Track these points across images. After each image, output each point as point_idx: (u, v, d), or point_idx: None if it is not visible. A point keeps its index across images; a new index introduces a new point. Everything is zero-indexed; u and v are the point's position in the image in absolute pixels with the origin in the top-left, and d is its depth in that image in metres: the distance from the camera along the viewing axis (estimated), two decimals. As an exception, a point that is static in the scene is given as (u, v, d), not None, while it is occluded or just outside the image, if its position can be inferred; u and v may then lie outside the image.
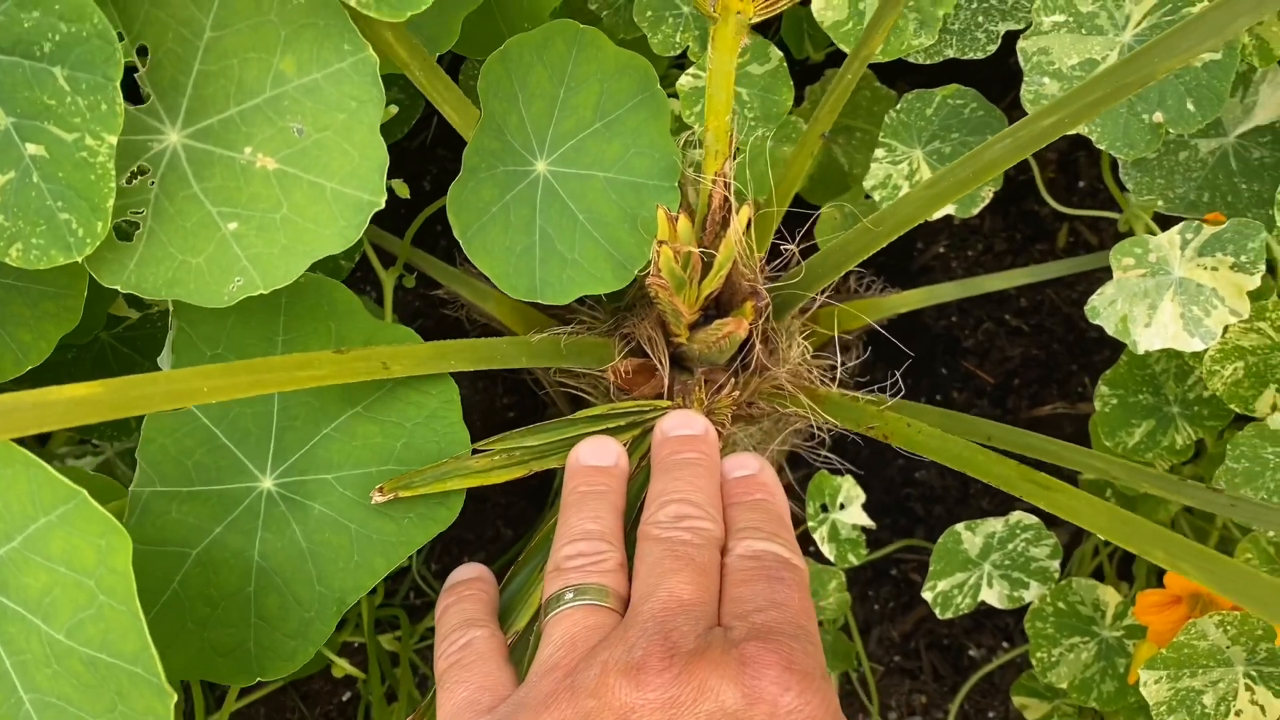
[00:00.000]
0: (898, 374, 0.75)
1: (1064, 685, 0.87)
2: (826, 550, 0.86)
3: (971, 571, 0.86)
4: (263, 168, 0.59)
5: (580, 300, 0.84)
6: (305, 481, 0.65)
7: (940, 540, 0.85)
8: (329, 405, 0.66)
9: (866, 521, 0.86)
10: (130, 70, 0.58)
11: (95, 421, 0.51)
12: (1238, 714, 0.73)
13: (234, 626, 0.63)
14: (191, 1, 0.57)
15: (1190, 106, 0.74)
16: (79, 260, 0.54)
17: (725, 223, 0.73)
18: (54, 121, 0.53)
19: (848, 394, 0.76)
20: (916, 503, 1.13)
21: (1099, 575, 1.02)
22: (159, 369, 0.68)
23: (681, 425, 0.65)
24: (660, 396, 0.77)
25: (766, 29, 1.01)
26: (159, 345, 0.82)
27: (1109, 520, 0.55)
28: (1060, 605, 0.86)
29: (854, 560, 0.86)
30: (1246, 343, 0.76)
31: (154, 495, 0.64)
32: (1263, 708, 0.73)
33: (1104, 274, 0.74)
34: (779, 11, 0.67)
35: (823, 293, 0.77)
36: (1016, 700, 0.97)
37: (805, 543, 0.88)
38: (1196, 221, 0.73)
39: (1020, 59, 0.77)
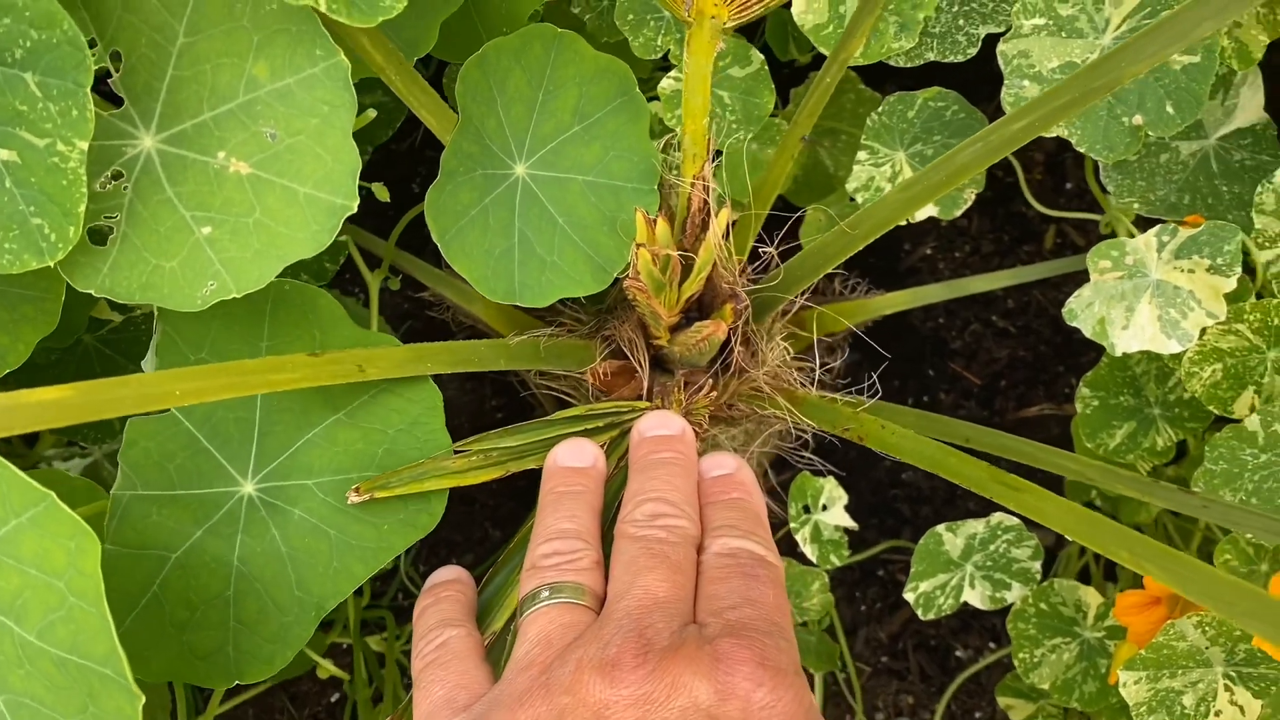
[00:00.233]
0: (875, 376, 0.75)
1: (1046, 686, 0.87)
2: (808, 551, 0.87)
3: (953, 573, 0.86)
4: (236, 172, 0.59)
5: (564, 302, 0.84)
6: (286, 487, 0.65)
7: (921, 541, 0.85)
8: (311, 411, 0.66)
9: (848, 522, 0.86)
10: (105, 75, 0.59)
11: (66, 424, 0.51)
12: (1217, 714, 0.74)
13: (213, 630, 0.63)
14: (164, 7, 0.58)
15: (1170, 109, 0.75)
16: (51, 265, 0.55)
17: (705, 226, 0.74)
18: (26, 127, 0.53)
19: (826, 396, 0.76)
20: (903, 504, 1.13)
21: (1084, 576, 1.02)
22: (142, 372, 0.68)
23: (658, 426, 0.65)
24: (640, 398, 0.77)
25: (752, 32, 1.01)
26: (142, 348, 0.82)
27: (1075, 521, 0.56)
28: (1042, 606, 0.87)
29: (836, 561, 0.86)
30: (1225, 345, 0.76)
31: (135, 499, 0.64)
32: (1242, 708, 0.73)
33: (1089, 276, 0.74)
34: (754, 16, 0.67)
35: (802, 295, 0.77)
36: (1001, 701, 0.97)
37: (790, 545, 0.88)
38: (1173, 224, 0.73)
39: (1000, 62, 0.77)
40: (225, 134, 0.59)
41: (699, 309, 0.78)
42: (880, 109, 0.84)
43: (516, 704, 0.49)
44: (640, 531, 0.56)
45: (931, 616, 0.86)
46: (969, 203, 0.85)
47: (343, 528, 0.64)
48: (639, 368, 0.76)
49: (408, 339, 1.12)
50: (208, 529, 0.64)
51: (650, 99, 0.87)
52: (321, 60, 0.58)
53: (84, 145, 0.53)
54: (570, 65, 0.72)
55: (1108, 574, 1.03)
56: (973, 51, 0.81)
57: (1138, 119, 0.75)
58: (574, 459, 0.64)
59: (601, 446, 0.67)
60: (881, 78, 0.98)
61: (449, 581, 0.64)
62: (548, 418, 0.71)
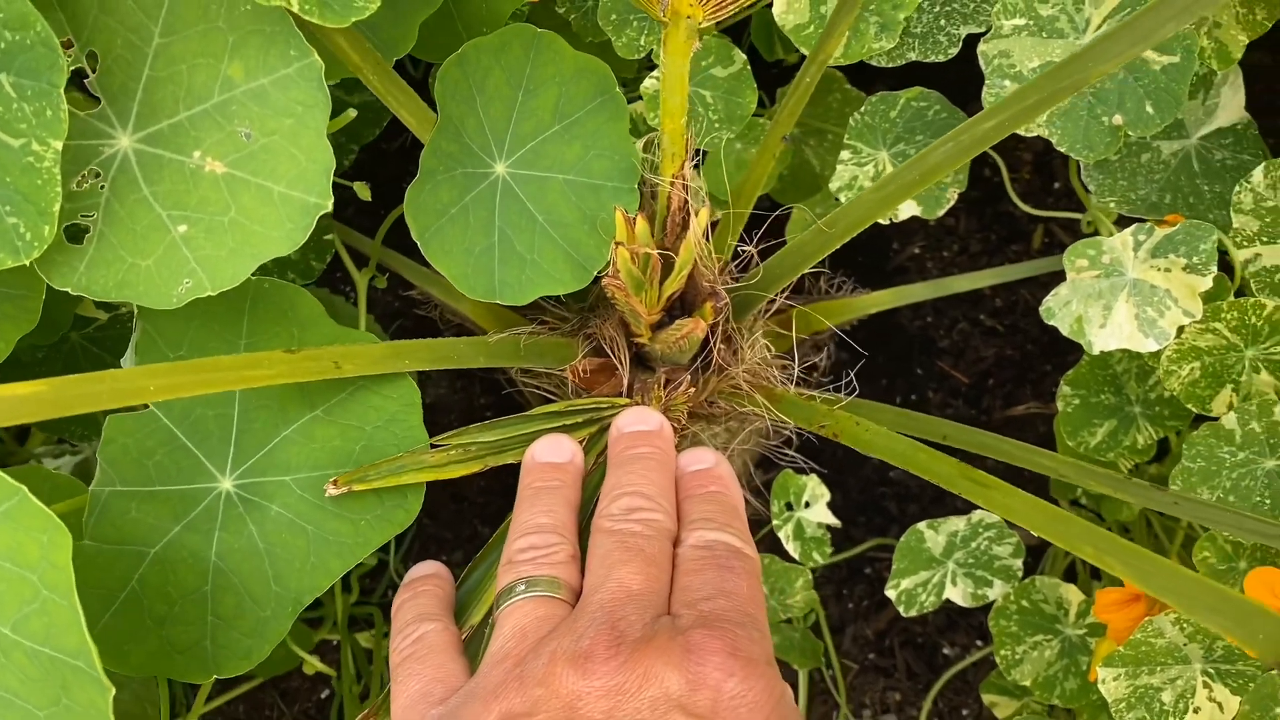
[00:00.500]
0: (852, 374, 0.75)
1: (1028, 683, 0.88)
2: (791, 549, 0.87)
3: (935, 570, 0.86)
4: (211, 171, 0.60)
5: (548, 300, 0.85)
6: (264, 483, 0.66)
7: (903, 539, 0.86)
8: (289, 408, 0.67)
9: (831, 520, 0.87)
10: (81, 75, 0.59)
11: (40, 419, 0.51)
12: (1196, 711, 0.74)
13: (191, 624, 0.64)
14: (140, 8, 0.58)
15: (1149, 109, 0.75)
16: (26, 263, 0.55)
17: (685, 225, 0.74)
18: (0, 128, 0.54)
19: (804, 393, 0.76)
20: (891, 502, 1.13)
21: (1070, 573, 1.03)
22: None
23: (636, 421, 0.65)
24: (621, 395, 0.78)
25: (738, 33, 1.02)
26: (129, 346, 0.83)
27: (1042, 518, 0.56)
28: (1024, 604, 0.87)
29: (819, 559, 0.87)
30: (1203, 343, 0.76)
31: (114, 495, 0.65)
32: (1221, 705, 0.74)
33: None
34: (730, 16, 0.68)
35: (781, 293, 0.77)
36: (986, 698, 0.97)
37: (776, 542, 0.89)
38: (1149, 223, 0.73)
39: (981, 62, 0.77)
40: (201, 134, 0.60)
41: (682, 307, 0.78)
42: (863, 109, 0.84)
43: (491, 696, 0.50)
44: (616, 525, 0.57)
45: (914, 613, 0.87)
46: (951, 202, 0.85)
47: (320, 523, 0.65)
48: (619, 365, 0.77)
49: (398, 336, 1.13)
50: (186, 525, 0.65)
51: (634, 99, 0.88)
52: (295, 60, 0.59)
53: (58, 145, 0.54)
54: (550, 65, 0.72)
55: (1094, 572, 1.03)
56: (954, 51, 0.81)
57: (1118, 119, 0.76)
58: (552, 454, 0.64)
59: (580, 442, 0.67)
60: (869, 78, 0.98)
61: (426, 576, 0.65)
62: (527, 413, 0.72)
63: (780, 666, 1.07)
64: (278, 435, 0.67)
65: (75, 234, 0.60)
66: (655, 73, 0.82)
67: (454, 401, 1.17)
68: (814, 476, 0.85)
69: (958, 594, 0.87)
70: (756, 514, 0.94)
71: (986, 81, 0.77)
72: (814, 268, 0.78)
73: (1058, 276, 1.10)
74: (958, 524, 0.85)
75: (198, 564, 0.64)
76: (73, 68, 0.59)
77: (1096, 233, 0.87)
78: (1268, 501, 0.74)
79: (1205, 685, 0.73)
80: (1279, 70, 1.09)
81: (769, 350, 0.80)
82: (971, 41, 0.79)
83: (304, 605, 0.64)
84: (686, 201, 0.73)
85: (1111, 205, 0.82)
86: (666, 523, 0.58)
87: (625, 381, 0.77)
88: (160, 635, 0.64)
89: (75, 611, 0.50)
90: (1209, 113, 0.83)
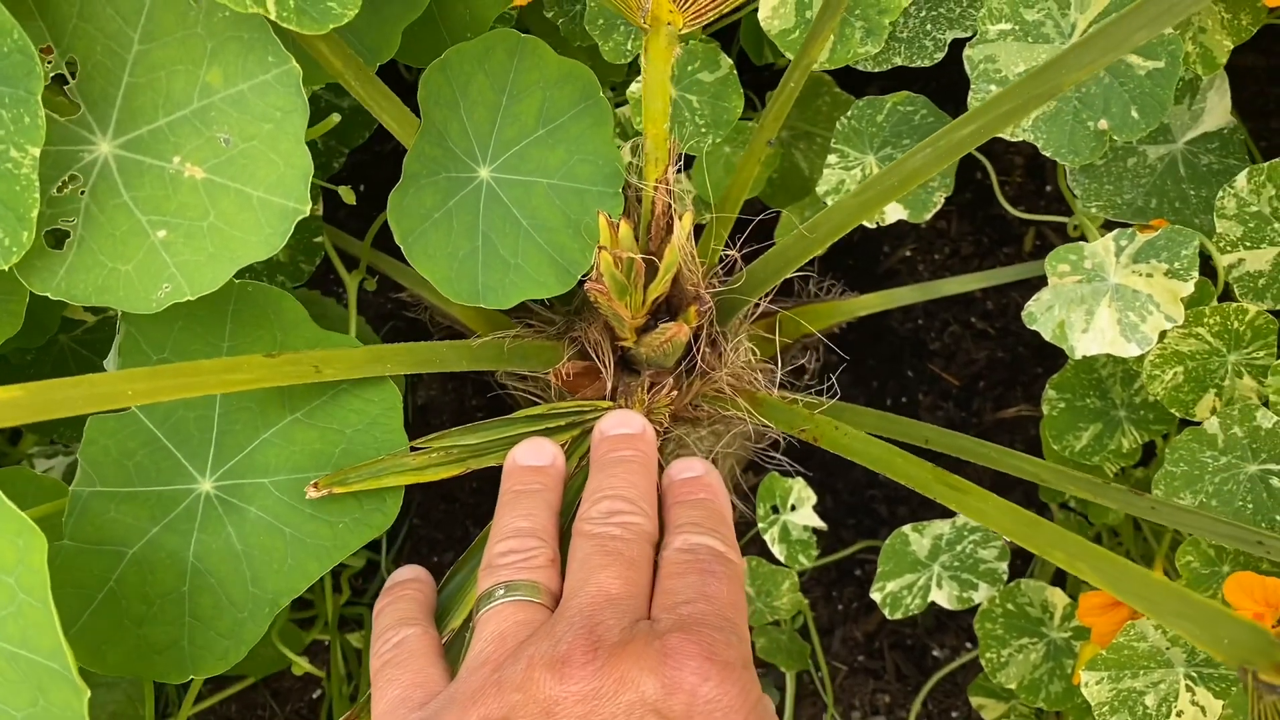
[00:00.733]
0: (834, 378, 0.76)
1: (1013, 686, 0.88)
2: (777, 551, 0.87)
3: (921, 573, 0.87)
4: (191, 177, 0.60)
5: (535, 303, 0.85)
6: (243, 485, 0.66)
7: (888, 541, 0.86)
8: (269, 410, 0.68)
9: (817, 523, 0.87)
10: (62, 82, 0.60)
11: (18, 423, 0.52)
12: (1179, 715, 0.74)
13: (169, 625, 0.64)
14: (119, 15, 0.59)
15: (1134, 114, 0.75)
16: (5, 268, 0.56)
17: (670, 229, 0.74)
18: (-23, 134, 0.54)
19: (787, 397, 0.77)
20: (880, 504, 1.13)
21: (1061, 576, 1.03)
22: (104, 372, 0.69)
23: (619, 425, 0.65)
24: (605, 398, 0.78)
25: (728, 37, 1.02)
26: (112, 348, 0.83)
27: (1014, 522, 0.56)
28: (1009, 607, 0.87)
29: (805, 561, 0.87)
30: (1185, 348, 0.76)
31: (93, 495, 0.65)
32: (1203, 709, 0.74)
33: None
34: (708, 20, 0.68)
35: (765, 297, 0.77)
36: (974, 700, 0.98)
37: (764, 545, 0.89)
38: (1131, 229, 0.74)
39: (967, 67, 0.77)
40: (180, 139, 0.60)
41: (668, 311, 0.79)
42: (849, 113, 0.84)
43: (470, 701, 0.50)
44: (596, 529, 0.57)
45: (899, 616, 0.87)
46: (939, 206, 0.85)
47: (298, 526, 0.65)
48: (603, 369, 0.77)
49: (390, 338, 1.14)
50: (165, 525, 0.65)
51: (622, 103, 0.88)
52: (274, 67, 0.59)
53: (36, 151, 0.54)
54: (534, 70, 0.72)
55: (1083, 575, 1.03)
56: (939, 56, 0.81)
57: (1103, 123, 0.76)
58: (533, 458, 0.65)
59: (563, 446, 0.67)
60: (860, 82, 0.98)
61: (407, 581, 0.65)
62: (508, 416, 0.72)
63: (768, 668, 1.07)
64: (258, 438, 0.67)
65: (56, 239, 0.60)
66: (640, 77, 0.83)
67: (445, 403, 1.17)
68: (799, 480, 0.86)
69: (943, 597, 0.87)
70: (744, 517, 0.94)
71: (972, 86, 0.78)
72: (803, 271, 0.78)
73: (1047, 280, 1.11)
74: (943, 527, 0.85)
75: (176, 565, 0.65)
76: (53, 74, 0.59)
77: (1084, 237, 0.87)
78: (1250, 506, 0.74)
79: (1188, 689, 0.74)
80: (1270, 74, 1.09)
81: (754, 354, 0.80)
82: (962, 46, 0.79)
83: (281, 607, 0.65)
84: (670, 206, 0.73)
85: (1094, 210, 0.82)
86: (647, 526, 0.58)
87: (609, 385, 0.77)
88: (138, 635, 0.64)
89: (50, 614, 0.50)
90: (1195, 117, 0.83)
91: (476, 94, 0.71)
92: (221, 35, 0.59)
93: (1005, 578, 0.87)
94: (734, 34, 1.02)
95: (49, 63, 0.59)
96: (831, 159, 0.85)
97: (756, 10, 0.80)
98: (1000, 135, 0.76)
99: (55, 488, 0.70)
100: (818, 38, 0.73)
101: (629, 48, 0.83)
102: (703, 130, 0.84)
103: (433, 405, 1.18)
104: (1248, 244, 0.76)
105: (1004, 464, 0.71)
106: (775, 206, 0.98)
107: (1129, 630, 0.73)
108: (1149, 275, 0.72)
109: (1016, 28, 0.76)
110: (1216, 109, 0.83)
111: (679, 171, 0.77)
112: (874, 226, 0.85)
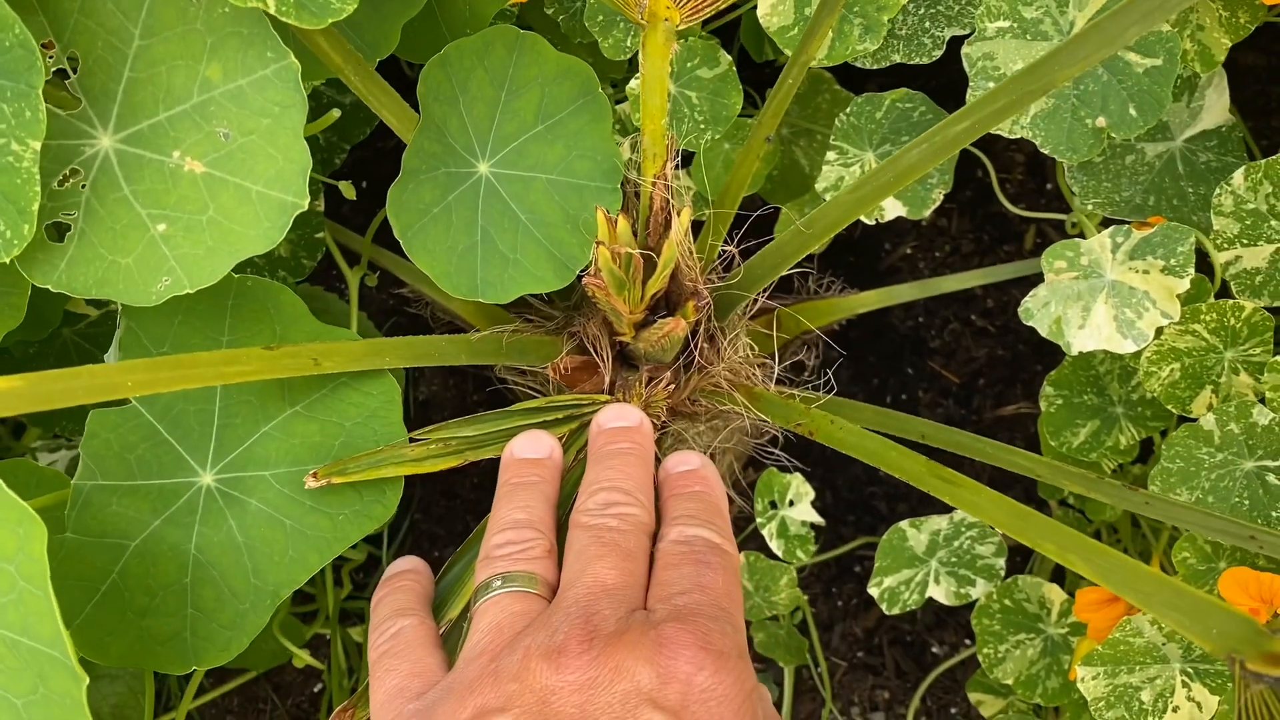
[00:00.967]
0: (830, 373, 0.76)
1: (1010, 681, 0.88)
2: (775, 546, 0.88)
3: (918, 568, 0.87)
4: (190, 171, 0.61)
5: (535, 298, 0.86)
6: (243, 478, 0.67)
7: (885, 537, 0.86)
8: (269, 404, 0.68)
9: (815, 518, 0.87)
10: (63, 76, 0.60)
11: (16, 414, 0.52)
12: (1175, 710, 0.74)
13: (171, 617, 0.65)
14: (119, 10, 0.59)
15: (1132, 111, 0.75)
16: (6, 261, 0.56)
17: (668, 224, 0.75)
18: (-21, 128, 0.55)
19: (785, 392, 0.77)
20: (880, 500, 1.14)
21: (1060, 572, 1.03)
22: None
23: (616, 417, 0.66)
24: (602, 392, 0.78)
25: (729, 34, 1.02)
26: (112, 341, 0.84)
27: (1007, 516, 0.56)
28: (1006, 603, 0.87)
29: (803, 556, 0.87)
30: (1182, 345, 0.76)
31: (95, 488, 0.66)
32: (1199, 704, 0.74)
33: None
34: (705, 16, 0.68)
35: (763, 293, 0.78)
36: (972, 696, 0.98)
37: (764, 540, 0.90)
38: (1127, 225, 0.74)
39: (965, 64, 0.78)
40: (180, 134, 0.61)
41: (666, 306, 0.79)
42: (848, 110, 0.85)
43: (467, 691, 0.50)
44: (592, 520, 0.58)
45: (896, 612, 0.87)
46: (937, 202, 0.85)
47: (298, 518, 0.66)
48: (601, 363, 0.77)
49: (392, 333, 1.14)
50: (166, 518, 0.65)
51: (622, 99, 0.88)
52: (273, 62, 0.60)
53: (37, 145, 0.55)
54: (533, 66, 0.73)
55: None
56: (938, 54, 0.82)
57: (1101, 121, 0.76)
58: (530, 450, 0.65)
59: (561, 439, 0.68)
60: (861, 80, 0.98)
61: (405, 572, 0.65)
62: (506, 409, 0.72)
63: (766, 664, 1.08)
64: (258, 431, 0.67)
65: (57, 232, 0.61)
66: (639, 74, 0.83)
67: (447, 398, 1.17)
68: (798, 475, 0.86)
69: (940, 593, 0.87)
70: (743, 512, 0.95)
71: (970, 84, 0.78)
72: (803, 267, 0.78)
73: (1045, 277, 1.11)
74: (940, 523, 0.86)
75: (178, 557, 0.65)
76: (55, 69, 0.60)
77: (1082, 235, 0.87)
78: (1246, 502, 0.74)
79: (1184, 684, 0.74)
80: (1271, 72, 1.09)
81: (752, 349, 0.81)
82: (960, 43, 0.80)
83: (282, 598, 0.65)
84: (669, 202, 0.74)
85: (1090, 208, 0.83)
86: (644, 517, 0.59)
87: (607, 380, 0.78)
88: (141, 627, 0.65)
89: (50, 602, 0.51)
90: (1194, 115, 0.83)
91: (476, 89, 0.72)
92: (221, 30, 0.60)
93: (1003, 573, 0.87)
94: (734, 31, 1.03)
95: (50, 57, 0.59)
96: (830, 156, 0.85)
97: (756, 7, 0.80)
98: (1000, 132, 0.77)
99: (57, 479, 0.71)
100: (816, 34, 0.73)
101: (628, 44, 0.83)
102: (702, 126, 0.84)
103: (434, 400, 1.18)
104: (1245, 241, 0.76)
105: (1000, 459, 0.71)
106: (775, 203, 0.98)
107: (1125, 626, 0.73)
108: (1145, 272, 0.73)
109: (1015, 25, 0.76)
110: (1215, 107, 0.83)
111: (678, 168, 0.77)
112: (873, 223, 0.86)
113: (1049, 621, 0.87)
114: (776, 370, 0.78)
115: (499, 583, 0.56)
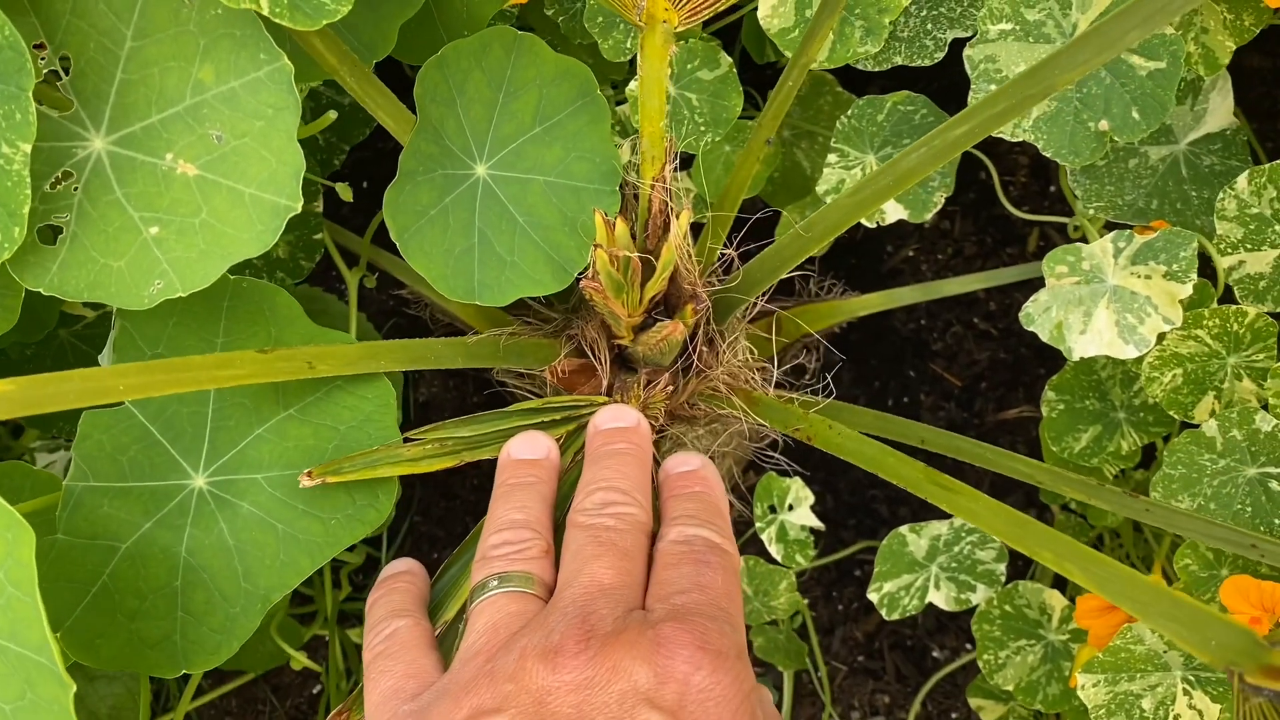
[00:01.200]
0: (829, 377, 0.75)
1: (1010, 687, 0.87)
2: (774, 551, 0.87)
3: (918, 573, 0.86)
4: (183, 173, 0.60)
5: (534, 300, 0.85)
6: (235, 481, 0.67)
7: (885, 542, 0.86)
8: (263, 407, 0.68)
9: (814, 523, 0.87)
10: (56, 78, 0.60)
11: (8, 417, 0.52)
12: (1176, 718, 0.74)
13: (161, 620, 0.64)
14: (112, 12, 0.59)
15: (1135, 114, 0.75)
16: (-3, 264, 0.56)
17: (667, 227, 0.74)
18: (-31, 131, 0.55)
19: (783, 396, 0.76)
20: (881, 504, 1.13)
21: (1061, 578, 1.02)
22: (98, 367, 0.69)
23: (614, 418, 0.65)
24: (600, 395, 0.78)
25: (731, 36, 1.02)
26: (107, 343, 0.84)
27: (1004, 523, 0.56)
28: (1006, 609, 0.87)
29: (802, 561, 0.87)
30: (1184, 350, 0.76)
31: (87, 490, 0.65)
32: (1201, 712, 0.74)
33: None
34: (704, 18, 0.68)
35: (762, 296, 0.77)
36: (973, 701, 0.97)
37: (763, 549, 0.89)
38: (1129, 230, 0.73)
39: (967, 67, 0.77)
40: (173, 136, 0.60)
41: (665, 309, 0.79)
42: (850, 112, 0.84)
43: (463, 692, 0.50)
44: (590, 520, 0.57)
45: (896, 617, 0.87)
46: (939, 205, 0.85)
47: (290, 522, 0.66)
48: (599, 366, 0.77)
49: (391, 335, 1.14)
50: (157, 521, 0.65)
51: (622, 101, 0.88)
52: (265, 64, 0.59)
53: (27, 148, 0.54)
54: (531, 67, 0.72)
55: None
56: (940, 56, 0.81)
57: (1104, 124, 0.75)
58: (527, 451, 0.65)
59: (558, 440, 0.67)
60: (863, 82, 0.98)
61: (400, 573, 0.65)
62: (503, 410, 0.72)
63: (766, 668, 1.07)
64: (251, 434, 0.67)
65: (49, 235, 0.61)
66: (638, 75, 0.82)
67: (447, 400, 1.17)
68: (797, 479, 0.85)
69: (941, 598, 0.87)
70: (743, 517, 0.94)
71: (972, 86, 0.77)
72: (803, 270, 0.78)
73: (1046, 281, 1.11)
74: (940, 528, 0.85)
75: (168, 560, 0.65)
76: (47, 70, 0.59)
77: (1085, 238, 0.86)
78: (1249, 509, 0.73)
79: (1185, 692, 0.73)
80: (1276, 74, 1.08)
81: (751, 353, 0.80)
82: (962, 45, 0.79)
83: (273, 602, 0.65)
84: (667, 204, 0.73)
85: (1093, 211, 0.82)
86: (641, 517, 0.58)
87: (605, 382, 0.77)
88: (131, 629, 0.64)
89: (38, 608, 0.51)
90: (1198, 118, 0.83)
91: (473, 91, 0.71)
92: (214, 32, 0.59)
93: (1003, 579, 0.86)
94: (735, 33, 1.02)
95: (42, 59, 0.59)
96: (831, 158, 0.85)
97: (757, 9, 0.80)
98: (1002, 135, 0.76)
99: (52, 482, 0.71)
100: (816, 36, 0.73)
101: (628, 45, 0.83)
102: (702, 128, 0.84)
103: (434, 402, 1.18)
104: (1248, 246, 0.76)
105: (1000, 465, 0.71)
106: (777, 206, 0.98)
107: (1126, 633, 0.73)
108: (1147, 277, 0.72)
109: (1017, 27, 0.76)
110: (1219, 110, 0.82)
111: (678, 170, 0.76)
112: (874, 226, 0.85)
113: (1050, 628, 0.87)
114: (776, 374, 0.77)
115: (495, 583, 0.56)
